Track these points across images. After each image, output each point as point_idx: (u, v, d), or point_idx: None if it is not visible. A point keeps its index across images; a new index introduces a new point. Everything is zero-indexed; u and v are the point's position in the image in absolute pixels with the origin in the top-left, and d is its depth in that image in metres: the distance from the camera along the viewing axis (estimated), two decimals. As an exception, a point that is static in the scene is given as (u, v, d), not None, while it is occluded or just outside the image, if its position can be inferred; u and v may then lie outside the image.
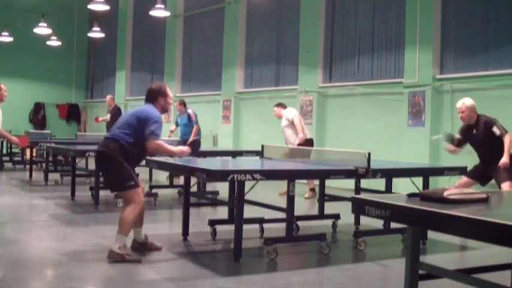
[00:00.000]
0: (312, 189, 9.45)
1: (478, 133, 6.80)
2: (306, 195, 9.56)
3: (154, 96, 5.33)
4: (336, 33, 12.22)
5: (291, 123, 9.50)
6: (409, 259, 3.02)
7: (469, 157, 9.06)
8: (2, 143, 13.70)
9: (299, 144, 9.11)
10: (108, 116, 13.61)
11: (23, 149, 12.42)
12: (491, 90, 9.07)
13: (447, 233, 2.61)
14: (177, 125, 11.79)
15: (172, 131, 11.91)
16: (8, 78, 20.26)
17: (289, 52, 13.29)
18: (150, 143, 5.01)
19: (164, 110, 5.34)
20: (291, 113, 9.66)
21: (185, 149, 5.41)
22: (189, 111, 11.58)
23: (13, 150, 14.72)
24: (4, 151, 14.25)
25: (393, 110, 10.55)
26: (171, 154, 5.51)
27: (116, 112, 13.22)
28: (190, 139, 11.18)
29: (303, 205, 8.86)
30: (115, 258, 4.83)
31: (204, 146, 12.06)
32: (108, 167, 5.14)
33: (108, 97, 14.27)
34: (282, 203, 5.72)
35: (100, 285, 4.44)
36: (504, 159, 6.52)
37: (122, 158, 4.99)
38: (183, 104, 11.65)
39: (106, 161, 5.08)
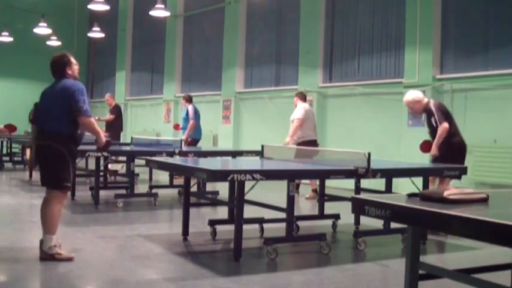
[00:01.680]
0: (314, 190, 9.39)
1: (427, 121, 7.01)
2: (307, 196, 9.56)
3: (62, 68, 5.14)
4: (336, 33, 12.22)
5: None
6: (409, 259, 3.02)
7: (469, 157, 9.07)
8: (2, 142, 13.70)
9: (299, 144, 9.15)
10: (108, 116, 13.51)
11: (10, 136, 12.24)
12: (491, 90, 9.07)
13: (447, 233, 2.61)
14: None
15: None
16: (8, 78, 20.33)
17: (289, 52, 13.29)
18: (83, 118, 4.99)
19: (76, 78, 5.20)
20: (297, 113, 9.64)
21: (104, 140, 5.36)
22: (189, 106, 11.64)
23: (13, 150, 14.72)
24: (4, 151, 14.24)
25: (393, 110, 10.55)
26: (97, 136, 5.33)
27: (117, 111, 13.18)
28: (185, 134, 11.45)
29: (303, 205, 8.86)
30: (47, 258, 4.87)
31: (204, 146, 12.10)
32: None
33: (107, 96, 13.65)
34: (282, 203, 5.72)
35: (100, 285, 4.44)
36: (432, 151, 6.77)
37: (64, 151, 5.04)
38: (185, 98, 11.93)
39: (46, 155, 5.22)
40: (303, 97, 9.93)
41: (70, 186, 5.23)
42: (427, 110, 6.89)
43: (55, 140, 4.98)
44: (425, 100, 6.96)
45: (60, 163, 5.07)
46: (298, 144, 9.25)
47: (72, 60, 5.18)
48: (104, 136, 5.37)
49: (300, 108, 9.68)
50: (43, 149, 5.11)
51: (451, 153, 6.68)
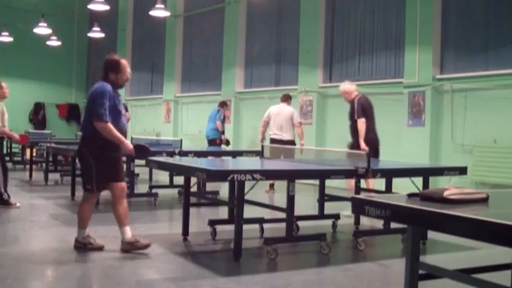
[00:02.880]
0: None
1: (350, 112, 7.92)
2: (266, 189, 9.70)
3: (106, 71, 5.16)
4: (336, 33, 12.22)
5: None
6: (409, 259, 3.02)
7: (469, 157, 9.09)
8: (1, 143, 13.68)
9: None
10: None
11: (23, 146, 12.45)
12: (491, 90, 9.07)
13: (447, 233, 2.61)
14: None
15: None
16: (8, 78, 20.21)
17: (289, 52, 13.29)
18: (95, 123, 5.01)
19: (116, 86, 5.18)
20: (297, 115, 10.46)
21: (129, 146, 5.25)
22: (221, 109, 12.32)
23: (13, 150, 14.71)
24: (4, 151, 14.23)
25: (393, 110, 10.55)
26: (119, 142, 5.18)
27: None
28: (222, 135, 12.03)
29: (303, 205, 8.86)
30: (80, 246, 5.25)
31: (205, 146, 12.10)
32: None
33: None
34: (282, 203, 5.72)
35: (100, 285, 4.44)
36: (362, 147, 7.36)
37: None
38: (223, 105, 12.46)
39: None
40: (282, 98, 10.56)
41: (91, 189, 5.18)
42: (352, 103, 7.80)
43: (82, 142, 5.18)
44: (355, 93, 7.84)
45: (84, 166, 5.18)
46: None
47: (123, 68, 5.14)
48: (128, 143, 5.25)
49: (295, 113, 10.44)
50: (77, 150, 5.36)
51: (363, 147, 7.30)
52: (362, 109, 7.62)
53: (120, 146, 5.13)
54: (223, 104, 12.45)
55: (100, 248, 5.21)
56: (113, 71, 5.10)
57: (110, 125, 4.98)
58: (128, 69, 5.22)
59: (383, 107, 10.88)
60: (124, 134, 5.18)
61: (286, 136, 10.07)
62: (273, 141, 10.07)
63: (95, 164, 5.06)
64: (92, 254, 5.21)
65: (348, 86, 8.05)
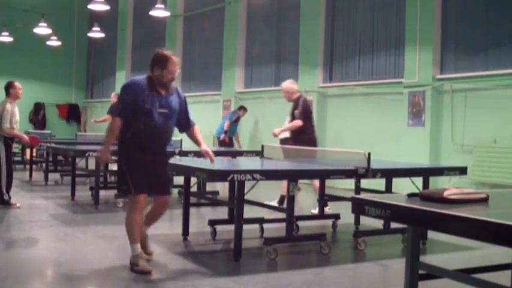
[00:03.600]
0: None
1: (292, 111, 8.06)
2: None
3: (152, 65, 4.67)
4: (336, 33, 12.21)
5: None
6: (409, 259, 3.02)
7: (469, 157, 9.09)
8: (10, 144, 13.66)
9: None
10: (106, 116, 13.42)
11: (32, 147, 12.47)
12: (491, 90, 9.06)
13: (447, 233, 2.61)
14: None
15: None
16: (8, 78, 20.21)
17: (289, 52, 13.29)
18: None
19: (160, 83, 4.62)
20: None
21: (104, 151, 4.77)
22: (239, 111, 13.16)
23: (13, 150, 14.68)
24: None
25: (393, 110, 10.55)
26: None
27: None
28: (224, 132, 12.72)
29: (303, 205, 8.86)
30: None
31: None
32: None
33: (113, 95, 13.28)
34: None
35: (100, 285, 4.44)
36: (277, 131, 8.02)
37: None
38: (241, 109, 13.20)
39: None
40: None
41: (129, 189, 4.54)
42: (295, 102, 7.97)
43: (117, 144, 4.72)
44: (297, 94, 8.05)
45: (118, 168, 4.73)
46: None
47: (171, 65, 4.56)
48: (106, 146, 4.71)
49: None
50: None
51: (300, 146, 7.49)
52: (304, 112, 7.89)
53: (147, 153, 4.58)
54: (241, 107, 13.15)
55: (147, 272, 4.49)
56: (159, 66, 4.56)
57: (116, 121, 4.54)
58: (177, 68, 4.63)
59: (383, 107, 10.91)
60: (153, 136, 4.60)
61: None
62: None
63: (129, 166, 4.57)
64: (91, 254, 5.21)
65: (291, 86, 8.15)
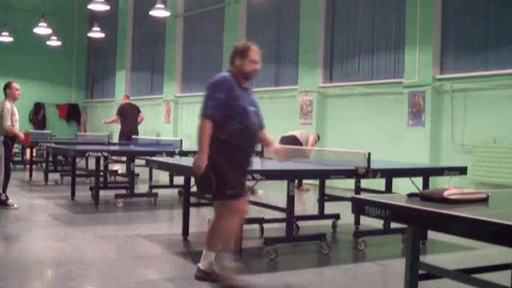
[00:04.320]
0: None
1: None
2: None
3: (231, 56, 4.31)
4: (336, 33, 12.22)
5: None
6: (409, 259, 3.02)
7: (469, 157, 9.09)
8: (10, 143, 13.67)
9: None
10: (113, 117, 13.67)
11: (23, 146, 12.51)
12: (491, 90, 9.07)
13: (447, 233, 2.61)
14: None
15: None
16: (8, 78, 20.21)
17: (289, 52, 13.29)
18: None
19: (243, 74, 4.25)
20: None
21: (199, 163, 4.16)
22: None
23: (13, 150, 14.68)
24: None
25: (393, 110, 10.55)
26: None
27: (118, 111, 13.20)
28: None
29: (303, 205, 8.86)
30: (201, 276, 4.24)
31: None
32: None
33: (122, 97, 13.91)
34: (282, 203, 5.72)
35: (100, 285, 4.44)
36: (104, 121, 8.17)
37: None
38: None
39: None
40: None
41: (230, 195, 4.12)
42: None
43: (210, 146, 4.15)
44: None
45: (215, 170, 4.11)
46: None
47: (252, 54, 4.22)
48: (200, 157, 4.11)
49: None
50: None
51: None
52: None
53: (246, 155, 4.27)
54: None
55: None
56: (239, 56, 4.22)
57: (208, 123, 4.07)
58: (258, 58, 4.26)
59: (383, 107, 10.91)
60: (250, 137, 4.29)
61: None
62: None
63: (233, 167, 4.16)
64: (91, 254, 5.21)
65: None
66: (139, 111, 13.22)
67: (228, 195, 4.13)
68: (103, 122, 14.43)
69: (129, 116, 13.10)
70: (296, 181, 10.52)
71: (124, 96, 13.91)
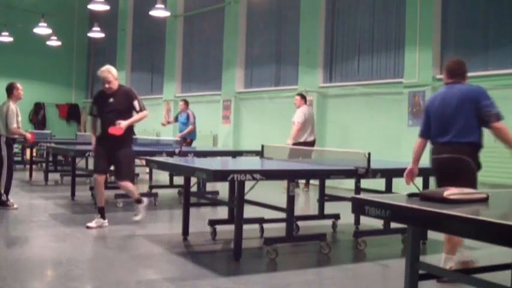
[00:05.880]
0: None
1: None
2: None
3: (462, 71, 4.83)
4: (336, 33, 12.21)
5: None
6: (409, 259, 3.02)
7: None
8: (12, 144, 13.68)
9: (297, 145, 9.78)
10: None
11: (27, 145, 12.54)
12: (491, 90, 8.99)
13: (447, 233, 2.61)
14: (176, 120, 13.44)
15: (169, 123, 14.18)
16: (8, 78, 20.21)
17: (289, 52, 13.28)
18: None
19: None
20: (297, 116, 10.54)
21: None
22: (189, 111, 12.73)
23: (13, 150, 14.69)
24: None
25: (393, 110, 10.55)
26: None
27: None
28: (180, 135, 12.16)
29: (303, 205, 8.86)
30: None
31: (204, 146, 12.10)
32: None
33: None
34: (282, 203, 5.72)
35: (100, 285, 4.44)
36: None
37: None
38: (186, 103, 12.88)
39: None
40: (303, 99, 10.85)
41: None
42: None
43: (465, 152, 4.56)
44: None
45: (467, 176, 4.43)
46: (296, 144, 10.05)
47: None
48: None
49: (300, 113, 10.55)
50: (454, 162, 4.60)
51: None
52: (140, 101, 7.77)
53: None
54: (184, 102, 13.00)
55: None
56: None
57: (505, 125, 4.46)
58: None
59: (383, 107, 10.90)
60: None
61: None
62: (305, 144, 10.25)
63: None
64: (91, 254, 5.21)
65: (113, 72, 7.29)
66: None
67: None
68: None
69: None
70: (304, 181, 10.64)
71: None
